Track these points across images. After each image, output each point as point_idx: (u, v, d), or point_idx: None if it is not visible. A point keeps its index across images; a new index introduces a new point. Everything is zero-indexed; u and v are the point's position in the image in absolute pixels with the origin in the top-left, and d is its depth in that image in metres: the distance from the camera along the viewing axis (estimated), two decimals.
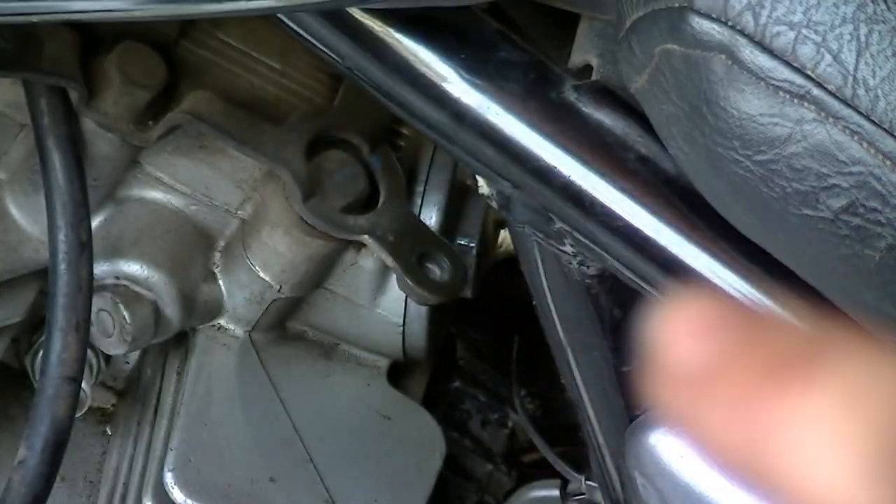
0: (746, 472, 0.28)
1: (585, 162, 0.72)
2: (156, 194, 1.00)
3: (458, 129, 0.74)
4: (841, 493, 0.26)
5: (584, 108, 0.73)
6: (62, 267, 0.89)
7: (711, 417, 0.28)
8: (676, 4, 0.59)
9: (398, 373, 1.14)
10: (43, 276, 0.96)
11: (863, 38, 0.55)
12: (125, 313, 0.97)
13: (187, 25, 0.96)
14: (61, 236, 0.90)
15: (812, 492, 0.27)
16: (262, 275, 1.00)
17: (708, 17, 0.58)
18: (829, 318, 0.29)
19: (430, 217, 1.03)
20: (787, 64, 0.56)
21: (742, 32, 0.57)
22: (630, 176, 0.71)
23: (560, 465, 1.04)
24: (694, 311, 0.29)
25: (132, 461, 1.05)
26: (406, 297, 1.04)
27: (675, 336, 0.29)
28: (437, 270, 0.98)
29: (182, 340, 1.06)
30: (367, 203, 0.98)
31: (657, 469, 0.77)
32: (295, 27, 0.76)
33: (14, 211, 0.97)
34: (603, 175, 0.72)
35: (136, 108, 0.92)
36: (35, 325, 1.03)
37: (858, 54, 0.55)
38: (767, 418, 0.28)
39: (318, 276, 1.03)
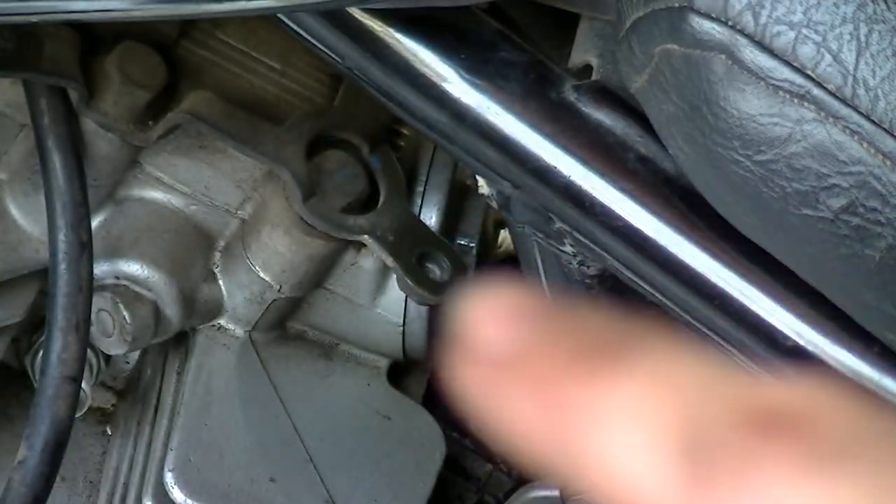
0: (550, 456, 0.28)
1: (585, 162, 0.72)
2: (156, 194, 1.00)
3: (458, 129, 0.74)
4: (645, 477, 0.26)
5: (584, 108, 0.73)
6: (62, 267, 0.90)
7: (512, 399, 0.28)
8: (676, 4, 0.59)
9: (398, 373, 1.14)
10: (43, 276, 0.96)
11: (863, 38, 0.55)
12: (125, 313, 0.97)
13: (187, 25, 0.96)
14: (61, 236, 0.90)
15: (616, 473, 0.27)
16: (262, 275, 1.00)
17: (708, 16, 0.58)
18: (636, 313, 0.29)
19: (430, 217, 1.03)
20: (787, 64, 0.56)
21: (742, 32, 0.57)
22: (630, 176, 0.71)
23: None
24: (504, 298, 0.29)
25: (132, 461, 1.05)
26: (406, 297, 1.04)
27: (482, 318, 0.29)
28: (437, 270, 0.98)
29: (182, 340, 1.06)
30: (367, 203, 0.98)
31: None
32: (295, 27, 0.76)
33: (14, 211, 0.97)
34: (603, 175, 0.72)
35: (136, 108, 0.92)
36: (35, 325, 1.03)
37: (858, 54, 0.55)
38: (570, 402, 0.28)
39: (318, 276, 1.03)
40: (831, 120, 0.56)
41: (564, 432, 0.28)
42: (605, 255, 0.73)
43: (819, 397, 0.26)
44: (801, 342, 0.67)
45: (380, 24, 0.74)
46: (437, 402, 1.19)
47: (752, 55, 0.57)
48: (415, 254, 0.97)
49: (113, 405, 1.10)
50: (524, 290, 0.29)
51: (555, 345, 0.28)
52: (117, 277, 0.99)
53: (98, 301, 0.96)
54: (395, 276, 0.99)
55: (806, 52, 0.56)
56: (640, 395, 0.27)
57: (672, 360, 0.28)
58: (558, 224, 0.75)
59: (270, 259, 1.00)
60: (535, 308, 0.29)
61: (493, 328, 0.29)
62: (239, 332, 1.05)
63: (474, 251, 1.06)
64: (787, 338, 0.67)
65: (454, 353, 0.29)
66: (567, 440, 0.28)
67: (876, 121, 0.55)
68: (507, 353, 0.28)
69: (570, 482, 0.28)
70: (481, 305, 0.29)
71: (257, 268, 1.00)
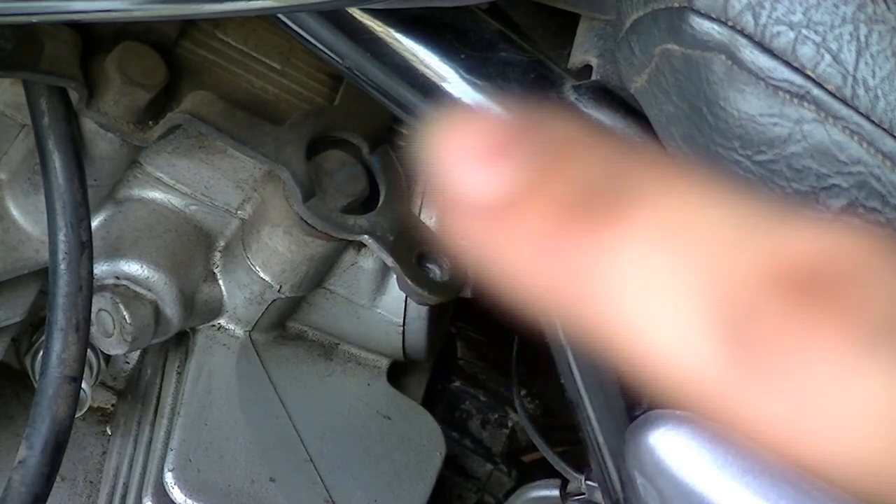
0: (560, 316, 0.24)
1: None
2: (156, 194, 1.00)
3: None
4: (677, 344, 0.23)
5: (584, 108, 0.73)
6: (62, 267, 0.90)
7: (515, 255, 0.24)
8: (676, 4, 0.59)
9: (398, 373, 1.14)
10: (43, 275, 0.96)
11: (863, 38, 0.55)
12: (125, 313, 0.97)
13: (187, 25, 0.96)
14: (61, 236, 0.90)
15: (641, 342, 0.23)
16: (262, 275, 1.00)
17: (708, 17, 0.58)
18: (636, 151, 0.24)
19: (430, 217, 1.03)
20: (787, 64, 0.56)
21: (742, 32, 0.57)
22: None
23: (560, 465, 1.04)
24: (480, 130, 0.24)
25: (132, 461, 1.05)
26: (406, 297, 1.04)
27: (460, 160, 0.24)
28: (437, 270, 0.98)
29: (182, 340, 1.06)
30: (367, 203, 0.98)
31: (657, 469, 0.77)
32: (295, 27, 0.76)
33: (14, 211, 0.97)
34: None
35: (136, 108, 0.92)
36: (35, 325, 1.03)
37: (858, 54, 0.55)
38: (574, 260, 0.23)
39: (318, 276, 1.03)
40: (831, 120, 0.56)
41: (578, 293, 0.24)
42: None
43: (862, 249, 0.22)
44: None
45: (380, 24, 0.74)
46: (436, 402, 1.19)
47: (751, 55, 0.57)
48: (415, 254, 0.97)
49: (113, 405, 1.10)
50: (502, 120, 0.24)
51: (552, 186, 0.24)
52: (117, 277, 0.99)
53: (98, 301, 0.96)
54: (395, 276, 0.99)
55: (806, 52, 0.56)
56: (653, 248, 0.23)
57: (683, 203, 0.23)
58: None
59: (270, 259, 1.00)
60: (519, 142, 0.24)
61: (476, 169, 0.24)
62: (239, 332, 1.05)
63: None
64: None
65: (440, 202, 0.25)
66: (582, 301, 0.24)
67: (876, 121, 0.55)
68: (494, 201, 0.24)
69: (590, 345, 0.24)
70: (457, 140, 0.24)
71: (257, 268, 1.00)
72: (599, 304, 0.23)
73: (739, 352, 0.22)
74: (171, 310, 0.99)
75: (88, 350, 0.93)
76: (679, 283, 0.23)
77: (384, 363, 1.10)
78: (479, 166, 0.24)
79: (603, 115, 0.72)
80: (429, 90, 0.74)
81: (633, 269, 0.23)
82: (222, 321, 1.04)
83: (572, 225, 0.24)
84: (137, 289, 0.99)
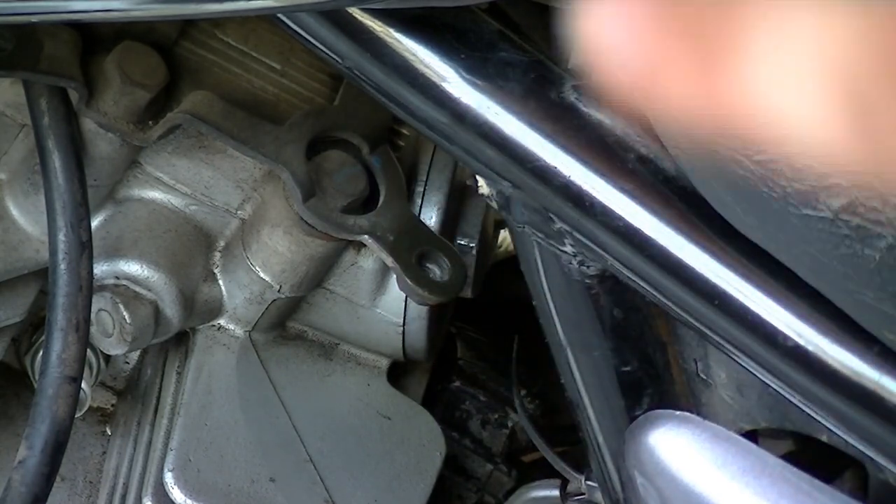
0: (718, 132, 0.28)
1: (585, 162, 0.72)
2: (156, 194, 1.00)
3: (458, 129, 0.74)
4: (815, 129, 0.26)
5: (584, 108, 0.73)
6: (62, 267, 0.90)
7: (671, 92, 0.28)
8: None
9: (398, 373, 1.14)
10: (43, 276, 0.96)
11: None
12: (125, 313, 0.97)
13: (187, 25, 0.96)
14: (61, 236, 0.90)
15: (786, 132, 0.26)
16: (262, 275, 1.00)
17: None
18: None
19: (430, 217, 1.03)
20: None
21: None
22: (630, 176, 0.71)
23: (560, 465, 1.04)
24: (621, 12, 0.28)
25: (132, 461, 1.05)
26: (406, 297, 1.04)
27: (611, 41, 0.28)
28: (437, 270, 0.98)
29: (182, 340, 1.06)
30: (367, 203, 0.98)
31: (657, 469, 0.77)
32: (295, 27, 0.76)
33: (14, 211, 0.97)
34: (603, 175, 0.71)
35: (136, 108, 0.92)
36: (35, 325, 1.03)
37: None
38: (723, 65, 0.27)
39: (318, 276, 1.03)
40: None
41: (728, 100, 0.27)
42: (605, 255, 0.73)
43: None
44: (801, 342, 0.67)
45: (380, 24, 0.74)
46: (436, 402, 1.19)
47: None
48: (415, 254, 0.97)
49: (113, 405, 1.11)
50: None
51: (679, 44, 0.27)
52: (117, 277, 0.99)
53: (98, 301, 0.96)
54: (395, 276, 0.99)
55: None
56: (787, 45, 0.25)
57: (802, 6, 0.26)
58: (558, 224, 0.75)
59: (270, 259, 1.00)
60: (649, 9, 0.28)
61: (621, 48, 0.28)
62: (239, 332, 1.05)
63: (474, 251, 1.06)
64: (787, 338, 0.67)
65: (593, 68, 0.28)
66: (731, 107, 0.27)
67: None
68: (644, 68, 0.28)
69: (726, 134, 0.27)
70: (604, 25, 0.28)
71: (257, 268, 1.00)
72: (744, 104, 0.27)
73: (864, 120, 0.25)
74: (171, 310, 0.99)
75: (88, 350, 0.93)
76: (815, 69, 0.25)
77: (384, 363, 1.10)
78: (626, 43, 0.28)
79: (603, 115, 0.72)
80: (429, 90, 0.74)
81: (772, 65, 0.26)
82: (222, 321, 1.04)
83: (714, 35, 0.27)
84: (137, 289, 0.99)
